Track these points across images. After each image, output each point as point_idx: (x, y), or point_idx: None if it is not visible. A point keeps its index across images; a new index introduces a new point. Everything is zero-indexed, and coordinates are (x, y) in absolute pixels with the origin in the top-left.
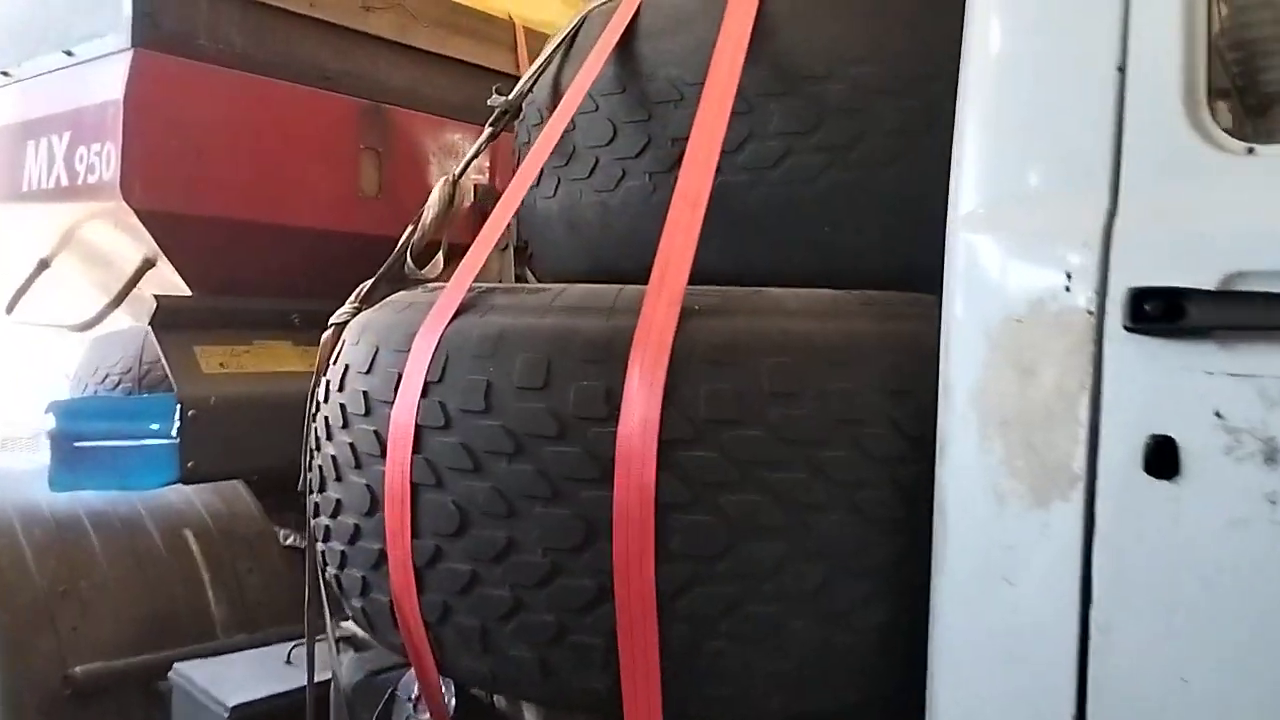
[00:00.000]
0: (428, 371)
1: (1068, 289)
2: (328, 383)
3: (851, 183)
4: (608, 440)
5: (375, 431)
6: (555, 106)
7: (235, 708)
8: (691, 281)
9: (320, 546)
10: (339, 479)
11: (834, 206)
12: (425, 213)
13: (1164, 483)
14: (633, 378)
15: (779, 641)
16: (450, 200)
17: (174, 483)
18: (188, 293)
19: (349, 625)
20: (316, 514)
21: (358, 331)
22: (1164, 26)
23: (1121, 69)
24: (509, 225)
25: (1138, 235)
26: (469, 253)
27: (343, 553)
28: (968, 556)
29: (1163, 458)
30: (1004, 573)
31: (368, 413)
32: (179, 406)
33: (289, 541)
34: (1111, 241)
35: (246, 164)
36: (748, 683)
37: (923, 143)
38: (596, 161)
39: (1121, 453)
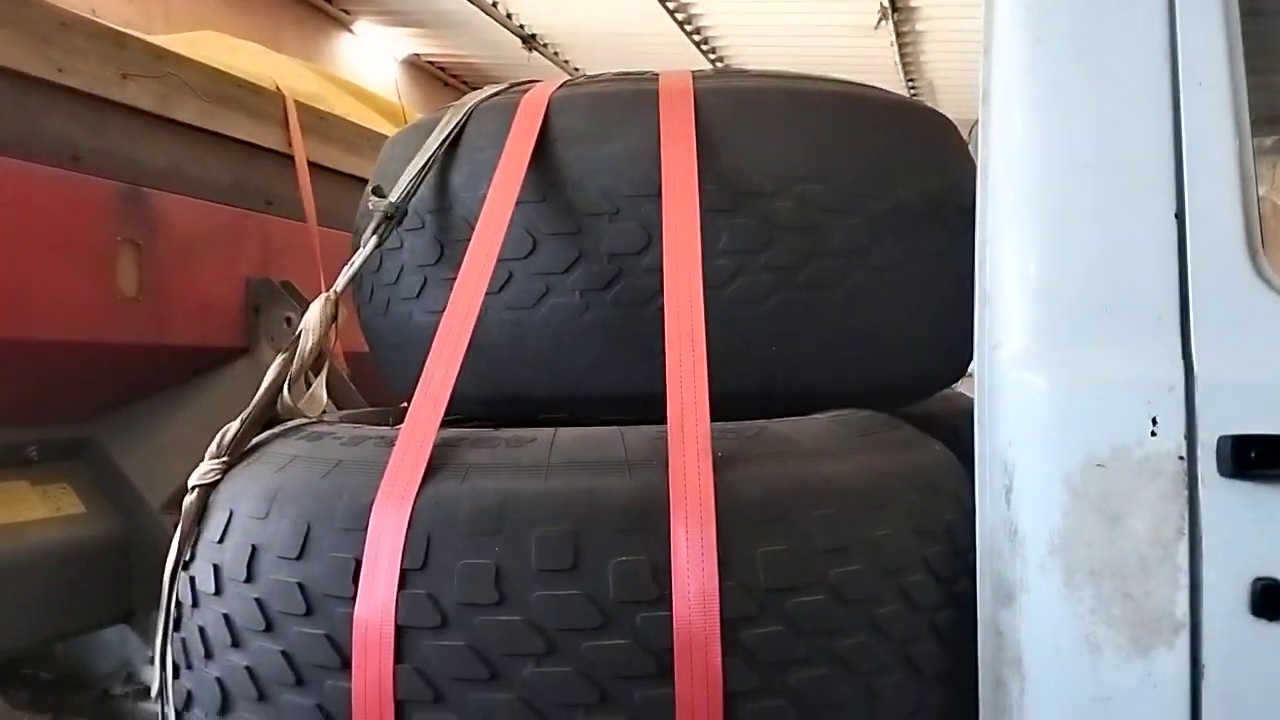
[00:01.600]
0: (404, 557)
1: (1154, 434)
2: (213, 568)
3: (800, 302)
4: (661, 626)
5: (326, 636)
6: (441, 209)
7: None
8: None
9: None
10: (261, 698)
11: (782, 325)
12: (302, 338)
13: (1273, 624)
14: (679, 547)
15: None
16: (333, 319)
17: None
18: None
19: None
20: None
21: (260, 500)
22: (1218, 173)
23: (1179, 216)
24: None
25: (1219, 381)
26: (419, 389)
27: None
28: (1057, 709)
29: (1270, 600)
30: None
31: (308, 612)
32: None
33: None
34: (1194, 387)
35: None
36: None
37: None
38: (510, 276)
39: (1227, 597)
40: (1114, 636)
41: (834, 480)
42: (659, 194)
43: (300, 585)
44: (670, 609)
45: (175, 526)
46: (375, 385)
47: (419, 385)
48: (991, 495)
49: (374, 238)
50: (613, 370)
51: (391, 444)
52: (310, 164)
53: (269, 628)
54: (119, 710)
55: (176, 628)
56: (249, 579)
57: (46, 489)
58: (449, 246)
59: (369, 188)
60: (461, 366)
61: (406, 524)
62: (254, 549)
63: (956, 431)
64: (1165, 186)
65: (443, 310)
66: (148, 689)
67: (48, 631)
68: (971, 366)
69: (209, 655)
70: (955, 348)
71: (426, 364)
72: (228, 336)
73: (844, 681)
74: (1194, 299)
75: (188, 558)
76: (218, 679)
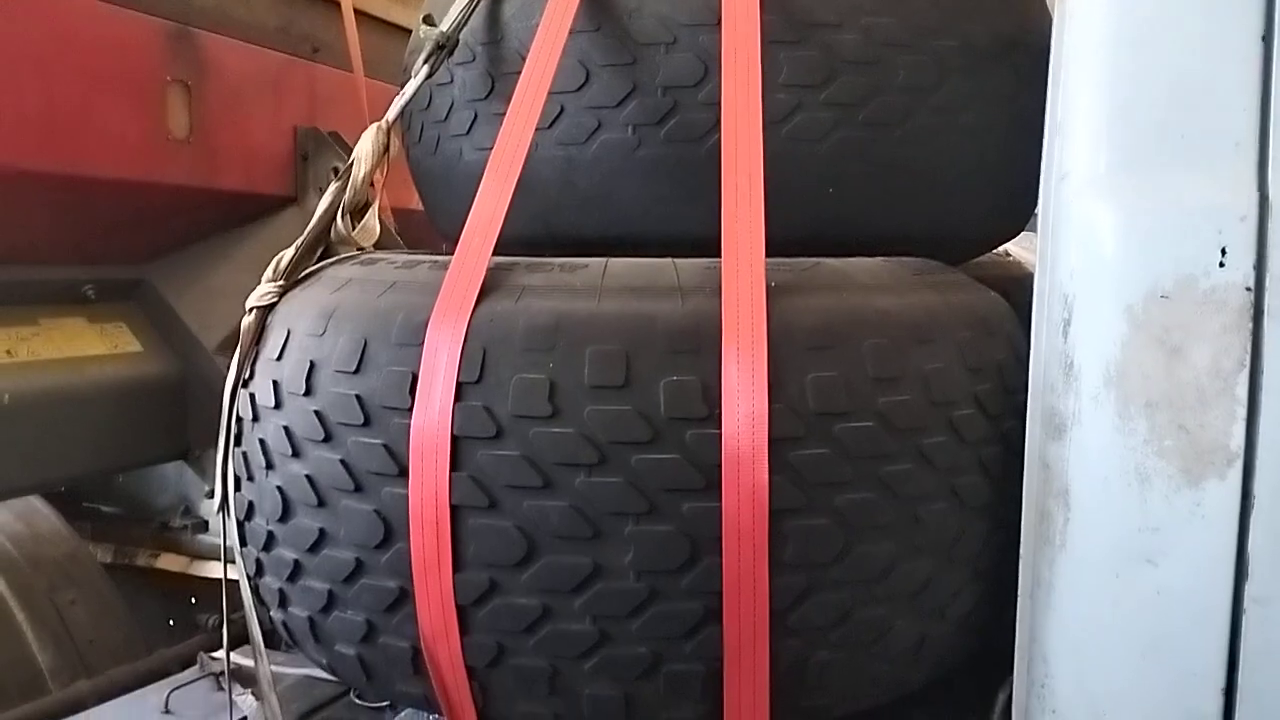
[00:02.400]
0: (460, 370)
1: (1222, 265)
2: (272, 384)
3: (859, 141)
4: (710, 444)
5: (384, 446)
6: (492, 41)
7: None
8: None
9: (275, 585)
10: (321, 505)
11: (840, 167)
12: (355, 166)
13: None
14: (730, 370)
15: (884, 644)
16: (385, 150)
17: None
18: None
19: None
20: (268, 547)
21: (318, 318)
22: None
23: (1266, 39)
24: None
25: None
26: (471, 216)
27: (330, 592)
28: (1102, 539)
29: None
30: (1147, 554)
31: (366, 423)
32: None
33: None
34: (1268, 218)
35: (28, 97)
36: (845, 690)
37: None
38: (561, 110)
39: None
40: (1165, 468)
41: (888, 313)
42: (718, 23)
43: (358, 397)
44: (719, 427)
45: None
46: (418, 244)
47: (471, 212)
48: (1049, 330)
49: (425, 67)
50: (665, 210)
51: (446, 267)
52: (356, 12)
53: (328, 438)
54: (177, 541)
55: (237, 443)
56: (308, 392)
57: (104, 327)
58: (500, 80)
59: (420, 16)
60: (510, 206)
61: (462, 339)
62: (312, 364)
63: (1009, 296)
64: (1254, 7)
65: (493, 147)
66: (205, 522)
67: (108, 463)
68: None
69: (269, 466)
70: (1016, 198)
71: (478, 193)
72: (276, 184)
73: (888, 506)
74: (1275, 127)
75: (247, 376)
76: (278, 488)
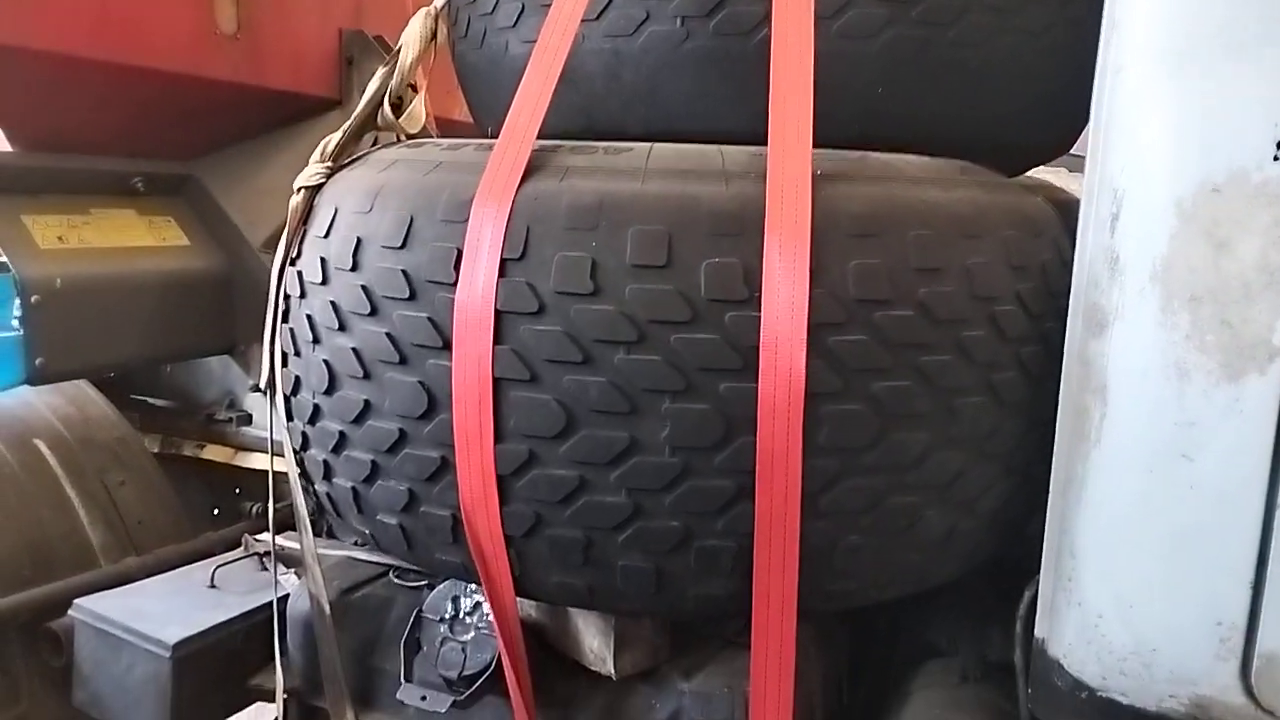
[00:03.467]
0: (504, 247)
1: (1275, 158)
2: (320, 261)
3: (912, 40)
4: (749, 326)
5: (429, 319)
6: None
7: (179, 645)
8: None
9: (319, 456)
10: (366, 377)
11: (891, 66)
12: (401, 52)
13: None
14: (773, 254)
15: (913, 533)
16: (432, 36)
17: (20, 384)
18: (7, 148)
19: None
20: (314, 419)
21: (365, 196)
22: None
23: None
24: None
25: None
26: (516, 100)
27: (373, 462)
28: (1137, 434)
29: None
30: (1182, 449)
31: (412, 296)
32: (19, 290)
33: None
34: None
35: None
36: (873, 576)
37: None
38: (608, 2)
39: None
40: (1205, 362)
41: (934, 205)
42: None
43: (404, 272)
44: (759, 310)
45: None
46: None
47: (516, 95)
48: (1096, 225)
49: None
50: (710, 106)
51: (491, 150)
52: None
53: (374, 312)
54: (221, 432)
55: (284, 319)
56: (354, 268)
57: (152, 220)
58: None
59: None
60: (554, 99)
61: (507, 217)
62: (359, 240)
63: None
64: None
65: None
66: (249, 415)
67: (156, 352)
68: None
69: (316, 340)
70: (1070, 105)
71: (524, 77)
72: (321, 86)
73: (925, 395)
74: None
75: (294, 254)
76: (325, 361)
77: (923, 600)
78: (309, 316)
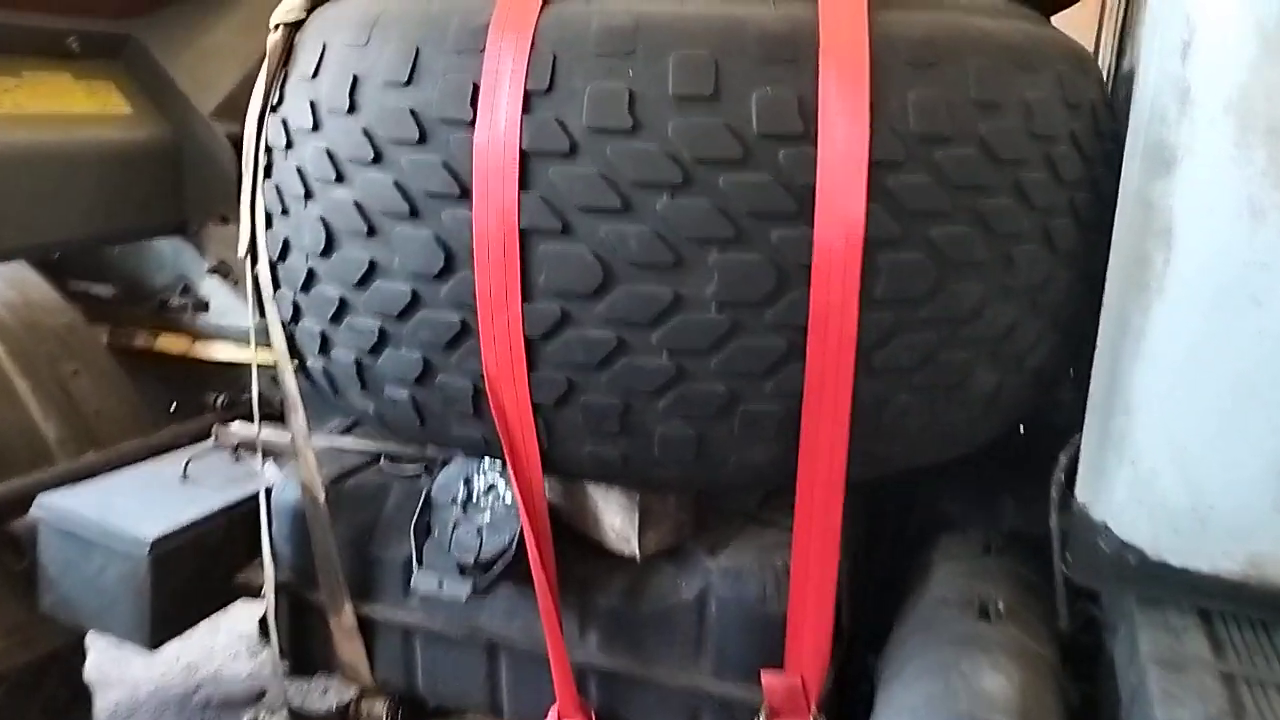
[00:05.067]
0: (527, 78)
1: None
2: (309, 105)
3: None
4: (804, 164)
5: (443, 164)
6: None
7: (157, 542)
8: None
9: (315, 327)
10: (371, 233)
11: None
12: None
13: None
14: (829, 84)
15: (963, 392)
16: None
17: None
18: None
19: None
20: (308, 285)
21: (359, 28)
22: None
23: None
24: None
25: None
26: None
27: (381, 330)
28: (1204, 278)
29: None
30: (1253, 293)
31: (422, 139)
32: None
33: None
34: None
35: None
36: (919, 438)
37: None
38: None
39: None
40: None
41: (991, 34)
42: None
43: (412, 111)
44: (815, 146)
45: (228, 135)
46: None
47: None
48: (1163, 55)
49: None
50: None
51: None
52: None
53: (378, 158)
54: (176, 321)
55: (267, 174)
56: (352, 109)
57: (91, 84)
58: None
59: None
60: None
61: (529, 43)
62: (356, 78)
63: None
64: None
65: None
66: (204, 301)
67: (99, 230)
68: None
69: (309, 195)
70: None
71: None
72: None
73: (983, 242)
74: None
75: (275, 101)
76: (320, 219)
77: (936, 469)
78: (299, 169)
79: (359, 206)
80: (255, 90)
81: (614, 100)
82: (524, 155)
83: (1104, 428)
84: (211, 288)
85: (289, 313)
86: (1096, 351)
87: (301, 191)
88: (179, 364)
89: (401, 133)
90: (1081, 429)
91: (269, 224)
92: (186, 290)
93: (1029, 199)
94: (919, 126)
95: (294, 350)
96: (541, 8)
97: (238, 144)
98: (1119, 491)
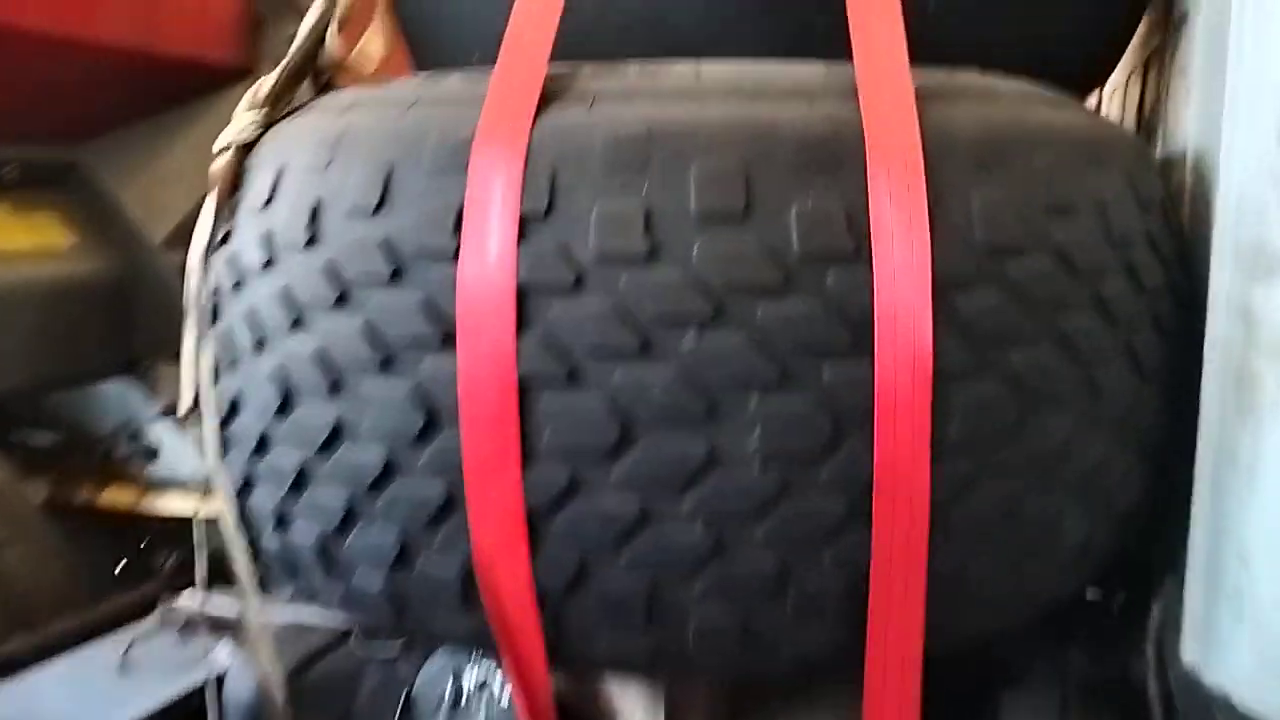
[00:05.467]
0: (523, 198)
1: None
2: (262, 237)
3: None
4: (857, 289)
5: (423, 303)
6: None
7: None
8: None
9: (270, 499)
10: (336, 388)
11: None
12: None
13: None
14: (880, 192)
15: (1052, 545)
16: None
17: None
18: None
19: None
20: (261, 450)
21: (320, 148)
22: None
23: None
24: None
25: None
26: (517, 6)
27: (349, 504)
28: None
29: None
30: None
31: (397, 275)
32: None
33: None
34: None
35: None
36: (1001, 604)
37: None
38: None
39: None
40: None
41: (1053, 125)
42: None
43: (384, 242)
44: (869, 266)
45: (181, 266)
46: None
47: (515, 5)
48: (1254, 137)
49: None
50: (731, 25)
51: (485, 79)
52: None
53: (343, 299)
54: (123, 473)
55: (213, 319)
56: (312, 242)
57: (31, 217)
58: None
59: None
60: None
61: (523, 158)
62: (317, 204)
63: None
64: None
65: None
66: (154, 448)
67: (39, 378)
68: None
69: (261, 344)
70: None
71: None
72: (228, 51)
73: (1067, 367)
74: None
75: (222, 235)
76: (275, 371)
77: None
78: (250, 313)
79: (321, 357)
80: (199, 223)
81: (627, 222)
82: (521, 291)
83: (1213, 579)
84: (162, 433)
85: (239, 482)
86: (1195, 487)
87: (252, 340)
88: (127, 519)
89: (371, 268)
90: (1170, 569)
91: (215, 378)
92: (135, 437)
93: (1111, 313)
94: (987, 237)
95: (247, 525)
96: (534, 118)
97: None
98: (1241, 656)
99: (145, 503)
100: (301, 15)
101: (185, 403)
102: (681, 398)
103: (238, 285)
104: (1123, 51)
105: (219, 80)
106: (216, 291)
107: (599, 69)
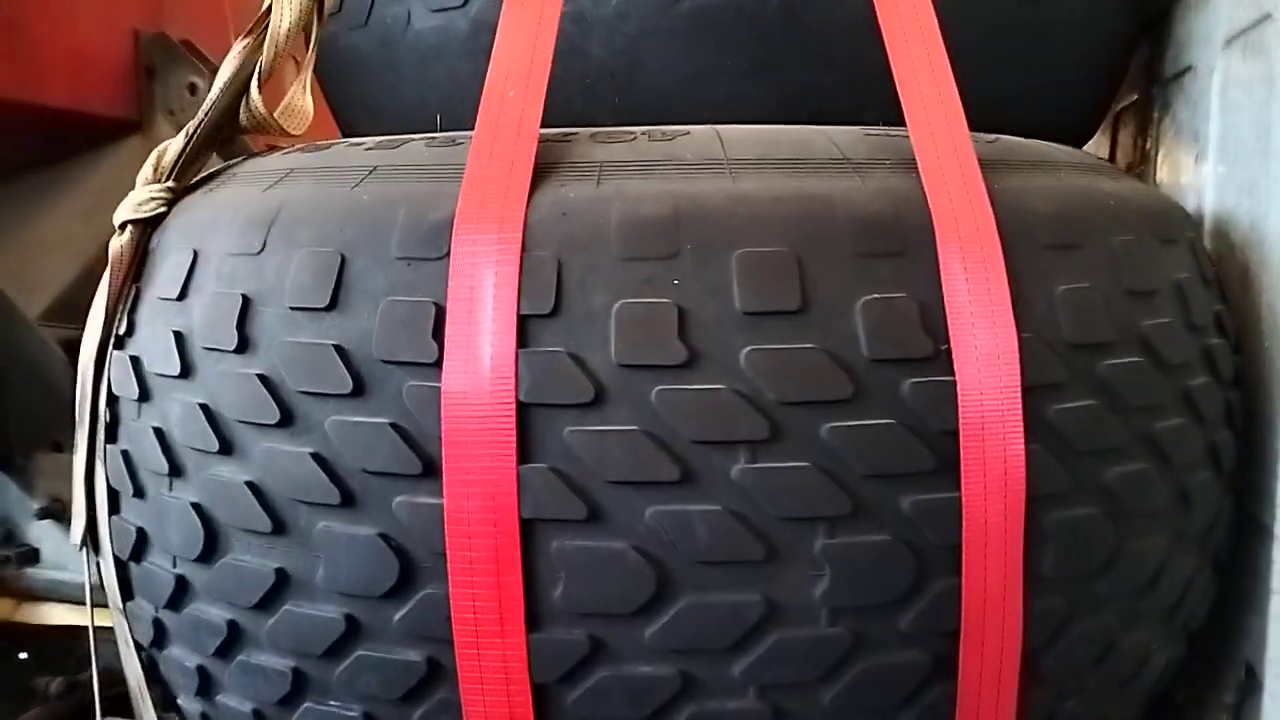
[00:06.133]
0: (522, 294)
1: None
2: (174, 338)
3: None
4: (937, 399)
5: (392, 426)
6: None
7: None
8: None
9: (190, 661)
10: (279, 530)
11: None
12: (274, 13)
13: None
14: (955, 282)
15: (1139, 681)
16: None
17: None
18: None
19: None
20: (177, 602)
21: (250, 228)
22: None
23: None
24: None
25: None
26: (494, 64)
27: (299, 674)
28: None
29: None
30: None
31: (358, 390)
32: None
33: None
34: None
35: None
36: None
37: None
38: None
39: None
40: None
41: (1120, 198)
42: None
43: (338, 349)
44: (951, 369)
45: (63, 343)
46: None
47: (492, 64)
48: None
49: None
50: (717, 88)
51: (453, 144)
52: None
53: (286, 419)
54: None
55: (110, 438)
56: (243, 347)
57: None
58: None
59: None
60: (471, 85)
61: (519, 244)
62: (247, 301)
63: None
64: None
65: (458, 6)
66: (34, 550)
67: None
68: None
69: (177, 472)
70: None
71: (500, 29)
72: (114, 103)
73: (1161, 478)
74: None
75: (122, 330)
76: (195, 506)
77: None
78: (159, 432)
79: (257, 490)
80: (92, 313)
81: (656, 323)
82: (522, 408)
83: None
84: (42, 533)
85: (148, 634)
86: (1276, 593)
87: (165, 466)
88: (3, 633)
89: (323, 381)
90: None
91: (114, 507)
92: (10, 539)
93: (1199, 411)
94: (1075, 332)
95: (158, 680)
96: (529, 193)
97: (73, 350)
98: None
99: (22, 613)
100: (195, 64)
101: (76, 534)
102: (732, 537)
103: (144, 395)
104: (1107, 111)
105: (105, 134)
106: (115, 400)
107: (598, 134)
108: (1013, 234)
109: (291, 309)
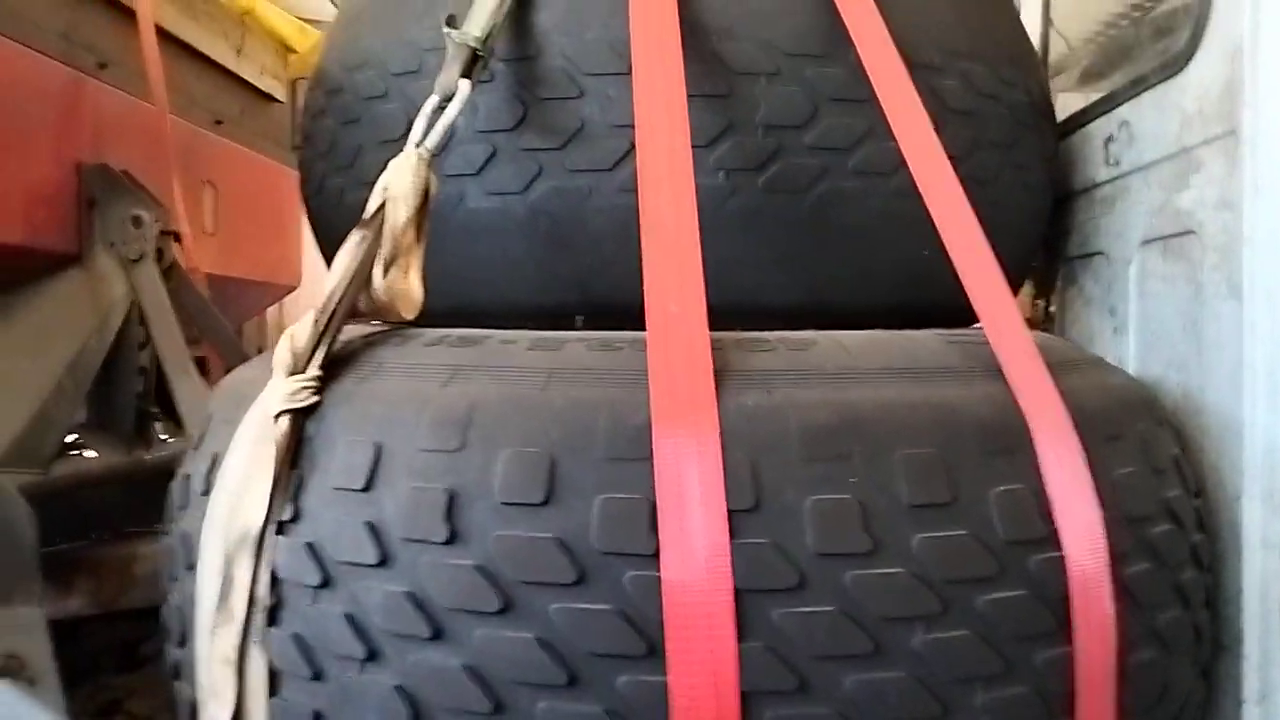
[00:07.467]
0: (728, 492)
1: None
2: (366, 530)
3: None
4: (1054, 572)
5: (618, 613)
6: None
7: None
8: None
9: None
10: (498, 710)
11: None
12: (389, 206)
13: None
14: (1054, 473)
15: None
16: (426, 187)
17: None
18: None
19: None
20: None
21: (444, 427)
22: None
23: None
24: None
25: None
26: (650, 271)
27: None
28: None
29: None
30: None
31: (580, 580)
32: None
33: None
34: None
35: None
36: None
37: None
38: (629, 149)
39: None
40: None
41: (1127, 389)
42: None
43: (558, 542)
44: (1060, 548)
45: (17, 489)
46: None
47: (649, 265)
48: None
49: (464, 83)
50: (754, 276)
51: (614, 346)
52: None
53: (507, 608)
54: None
55: (272, 621)
56: (453, 539)
57: None
58: (535, 107)
59: (443, 17)
60: (531, 267)
61: (719, 446)
62: (453, 496)
63: None
64: None
65: (517, 191)
66: None
67: None
68: None
69: (374, 656)
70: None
71: (646, 241)
72: (56, 236)
73: (1185, 619)
74: None
75: (286, 516)
76: (399, 691)
77: None
78: (353, 617)
79: (477, 675)
80: (247, 495)
81: (843, 517)
82: (736, 594)
83: None
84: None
85: None
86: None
87: (359, 650)
88: None
89: (544, 573)
90: None
91: (275, 689)
92: None
93: (1200, 560)
94: (1131, 508)
95: None
96: (718, 394)
97: (32, 497)
98: None
99: None
100: (137, 196)
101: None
102: (916, 700)
103: (326, 582)
104: (1026, 277)
105: (45, 268)
106: (278, 583)
107: (743, 341)
108: (1081, 427)
109: (503, 504)
